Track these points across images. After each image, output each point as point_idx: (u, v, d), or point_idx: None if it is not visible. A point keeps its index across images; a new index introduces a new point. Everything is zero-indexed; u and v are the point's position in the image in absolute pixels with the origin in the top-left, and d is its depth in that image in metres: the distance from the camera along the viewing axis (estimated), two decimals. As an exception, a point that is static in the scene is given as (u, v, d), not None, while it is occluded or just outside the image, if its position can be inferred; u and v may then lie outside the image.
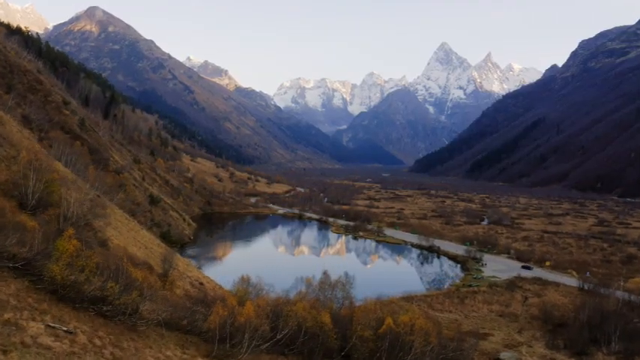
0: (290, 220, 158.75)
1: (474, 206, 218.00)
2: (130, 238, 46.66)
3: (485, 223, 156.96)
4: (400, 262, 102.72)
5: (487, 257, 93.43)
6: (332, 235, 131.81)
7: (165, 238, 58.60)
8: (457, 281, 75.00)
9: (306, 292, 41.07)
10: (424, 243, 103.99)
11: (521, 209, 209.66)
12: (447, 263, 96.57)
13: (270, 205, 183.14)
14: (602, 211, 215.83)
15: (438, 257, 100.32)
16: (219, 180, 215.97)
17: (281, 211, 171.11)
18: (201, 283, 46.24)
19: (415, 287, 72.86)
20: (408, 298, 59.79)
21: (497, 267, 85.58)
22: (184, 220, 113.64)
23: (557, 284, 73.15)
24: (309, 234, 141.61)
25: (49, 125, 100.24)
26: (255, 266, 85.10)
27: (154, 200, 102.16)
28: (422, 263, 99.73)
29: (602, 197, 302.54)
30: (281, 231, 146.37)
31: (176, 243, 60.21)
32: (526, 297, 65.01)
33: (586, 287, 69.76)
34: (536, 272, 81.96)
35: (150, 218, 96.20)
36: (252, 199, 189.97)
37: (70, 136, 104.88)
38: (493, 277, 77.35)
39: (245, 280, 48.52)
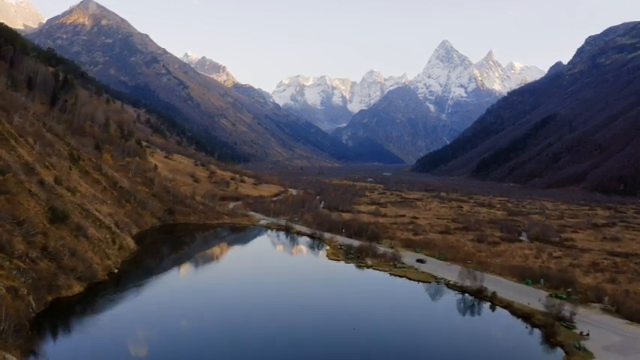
0: (274, 235, 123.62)
1: (498, 212, 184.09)
2: None
3: (524, 238, 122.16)
4: (436, 326, 59.09)
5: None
6: (326, 265, 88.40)
7: None
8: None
9: None
10: (468, 283, 65.34)
11: (555, 217, 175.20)
12: (511, 324, 56.84)
13: (252, 213, 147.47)
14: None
15: (493, 309, 61.55)
16: (195, 180, 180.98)
17: (264, 221, 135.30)
18: None
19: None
20: None
21: (606, 337, 49.34)
22: (115, 241, 78.78)
23: None
24: (294, 262, 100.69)
25: None
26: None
27: (57, 216, 67.56)
28: (470, 322, 58.82)
29: (630, 200, 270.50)
30: (253, 256, 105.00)
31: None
32: None
33: None
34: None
35: (41, 245, 61.72)
36: (232, 205, 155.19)
37: None
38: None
39: None
